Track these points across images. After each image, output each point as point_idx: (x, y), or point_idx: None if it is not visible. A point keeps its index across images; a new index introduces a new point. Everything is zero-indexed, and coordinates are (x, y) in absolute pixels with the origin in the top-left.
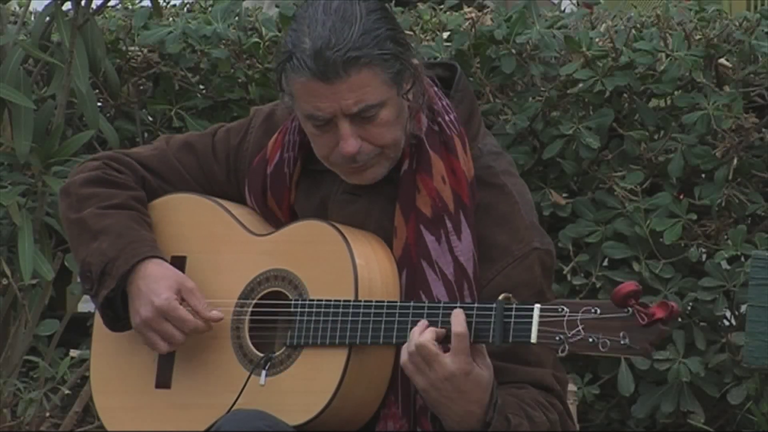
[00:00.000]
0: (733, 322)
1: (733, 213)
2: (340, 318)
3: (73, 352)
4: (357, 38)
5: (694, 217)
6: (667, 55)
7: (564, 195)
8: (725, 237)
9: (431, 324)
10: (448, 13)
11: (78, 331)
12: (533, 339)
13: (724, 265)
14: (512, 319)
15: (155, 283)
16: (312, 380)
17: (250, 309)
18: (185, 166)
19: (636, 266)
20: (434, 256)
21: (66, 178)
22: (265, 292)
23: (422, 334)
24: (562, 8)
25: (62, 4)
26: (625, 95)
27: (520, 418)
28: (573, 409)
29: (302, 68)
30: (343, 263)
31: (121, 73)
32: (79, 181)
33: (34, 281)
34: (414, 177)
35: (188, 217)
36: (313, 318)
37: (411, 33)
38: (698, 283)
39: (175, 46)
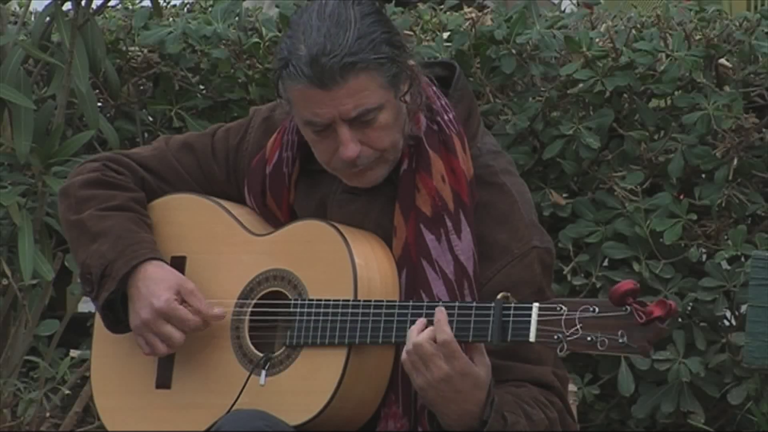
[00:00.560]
0: (733, 322)
1: (733, 213)
2: (339, 318)
3: (74, 353)
4: (352, 43)
5: (694, 217)
6: (667, 56)
7: (564, 195)
8: (725, 237)
9: (430, 323)
10: (448, 13)
11: (78, 332)
12: (532, 338)
13: (724, 265)
14: (511, 318)
15: (155, 285)
16: (312, 380)
17: (249, 309)
18: (185, 167)
19: (636, 266)
20: (434, 255)
21: (66, 178)
22: (264, 292)
23: (420, 334)
24: (562, 8)
25: (62, 4)
26: (625, 95)
27: (517, 416)
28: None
29: (299, 75)
30: (343, 263)
31: (121, 73)
32: (78, 182)
33: (34, 281)
34: (413, 176)
35: (188, 217)
36: (313, 318)
37: (411, 33)
38: (698, 284)
39: (175, 46)
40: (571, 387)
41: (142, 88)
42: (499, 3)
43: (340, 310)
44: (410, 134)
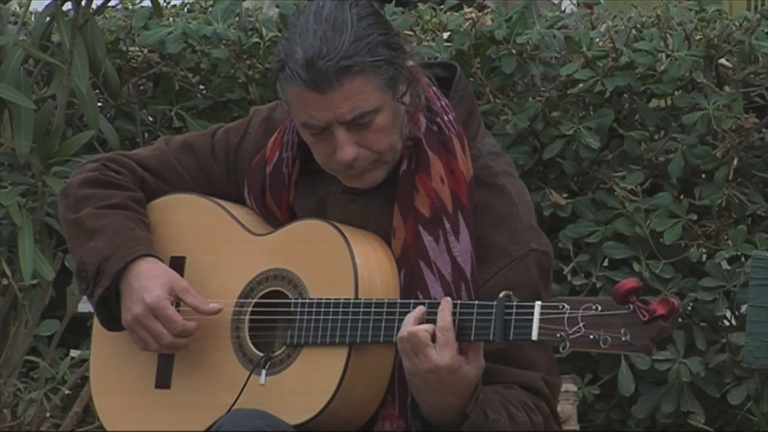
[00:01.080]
0: (734, 322)
1: (733, 213)
2: (340, 317)
3: (74, 353)
4: (348, 46)
5: (695, 217)
6: (668, 56)
7: (564, 195)
8: (725, 237)
9: (430, 321)
10: (448, 13)
11: (78, 331)
12: (534, 336)
13: (725, 265)
14: (513, 317)
15: (148, 281)
16: (312, 379)
17: (249, 308)
18: (184, 167)
19: (636, 266)
20: (432, 257)
21: (66, 178)
22: (264, 291)
23: (417, 325)
24: (563, 8)
25: (62, 5)
26: (625, 95)
27: (499, 415)
28: (573, 409)
29: (295, 78)
30: (343, 262)
31: (122, 74)
32: (77, 182)
33: (34, 281)
34: (413, 177)
35: (188, 217)
36: (313, 317)
37: (411, 33)
38: (698, 284)
39: (175, 46)
40: (571, 387)
41: (142, 88)
42: (499, 3)
43: (340, 310)
44: (409, 135)
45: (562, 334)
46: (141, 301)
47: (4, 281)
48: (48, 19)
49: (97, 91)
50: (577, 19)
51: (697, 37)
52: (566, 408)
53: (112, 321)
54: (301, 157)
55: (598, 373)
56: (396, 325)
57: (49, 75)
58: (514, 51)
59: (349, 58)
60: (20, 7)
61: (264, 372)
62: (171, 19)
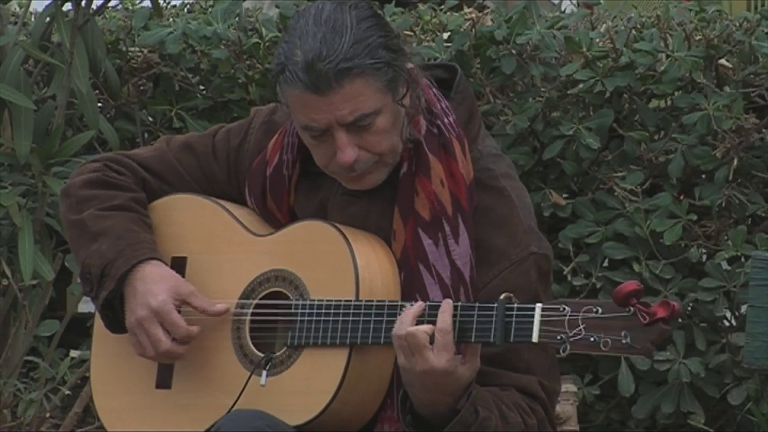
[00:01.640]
0: (734, 322)
1: (733, 213)
2: (341, 318)
3: (74, 353)
4: (348, 49)
5: (695, 217)
6: (668, 56)
7: (564, 195)
8: (725, 237)
9: (429, 321)
10: (448, 13)
11: (78, 332)
12: (535, 338)
13: (725, 265)
14: (513, 319)
15: (153, 285)
16: (313, 380)
17: (250, 309)
18: (185, 167)
19: (636, 267)
20: (431, 260)
21: (66, 178)
22: (265, 292)
23: (416, 326)
24: (563, 9)
25: (62, 5)
26: (625, 96)
27: (490, 412)
28: (573, 409)
29: (295, 81)
30: (344, 263)
31: (122, 74)
32: (79, 182)
33: (34, 282)
34: (413, 180)
35: (189, 217)
36: (314, 318)
37: (411, 33)
38: (698, 284)
39: (175, 46)
40: (571, 387)
41: (142, 88)
42: (499, 3)
43: (341, 311)
44: (410, 137)
45: (563, 336)
46: (146, 304)
47: (4, 281)
48: (48, 19)
49: (97, 91)
50: (577, 20)
51: (697, 38)
52: (566, 408)
53: (116, 324)
54: (301, 159)
55: (598, 374)
56: None
57: (49, 75)
58: (514, 51)
59: (349, 60)
60: (20, 7)
61: (264, 373)
62: (171, 19)
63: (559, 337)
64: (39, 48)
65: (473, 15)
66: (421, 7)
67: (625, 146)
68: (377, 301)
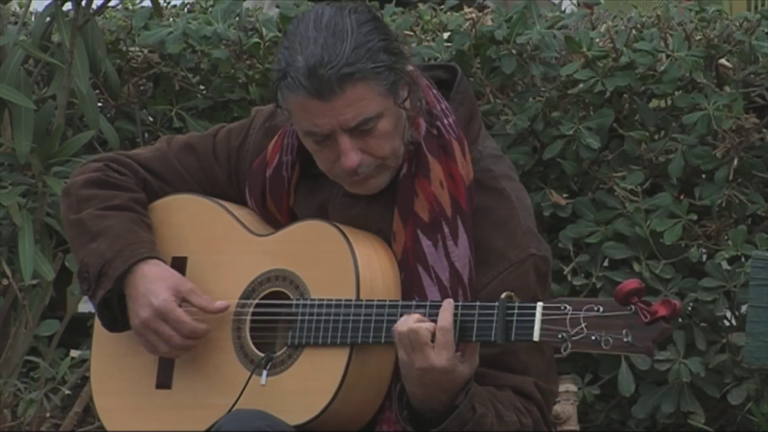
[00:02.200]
0: (734, 322)
1: (733, 213)
2: (341, 318)
3: (74, 353)
4: (350, 53)
5: (695, 217)
6: (668, 56)
7: (564, 195)
8: (725, 237)
9: (432, 321)
10: (448, 13)
11: (78, 332)
12: (536, 337)
13: (725, 265)
14: (515, 318)
15: (153, 284)
16: (313, 380)
17: (251, 309)
18: (186, 168)
19: (636, 267)
20: (430, 261)
21: (66, 178)
22: (266, 292)
23: (420, 323)
24: (563, 8)
25: (62, 5)
26: (625, 95)
27: (487, 410)
28: (573, 409)
29: (297, 87)
30: (345, 263)
31: (122, 74)
32: (79, 182)
33: (34, 281)
34: (412, 181)
35: (189, 218)
36: (315, 318)
37: (411, 33)
38: (698, 284)
39: (175, 46)
40: (571, 387)
41: (142, 88)
42: (500, 3)
43: (342, 310)
44: (411, 140)
45: (564, 335)
46: (148, 305)
47: (4, 281)
48: (48, 19)
49: (97, 91)
50: (577, 19)
51: (697, 38)
52: (566, 408)
53: (114, 323)
54: (301, 161)
55: (598, 374)
56: None
57: (49, 75)
58: (514, 51)
59: (351, 65)
60: (20, 7)
61: (265, 372)
62: (171, 19)
63: (560, 336)
64: (39, 48)
65: (473, 15)
66: (421, 7)
67: (625, 146)
68: (378, 300)
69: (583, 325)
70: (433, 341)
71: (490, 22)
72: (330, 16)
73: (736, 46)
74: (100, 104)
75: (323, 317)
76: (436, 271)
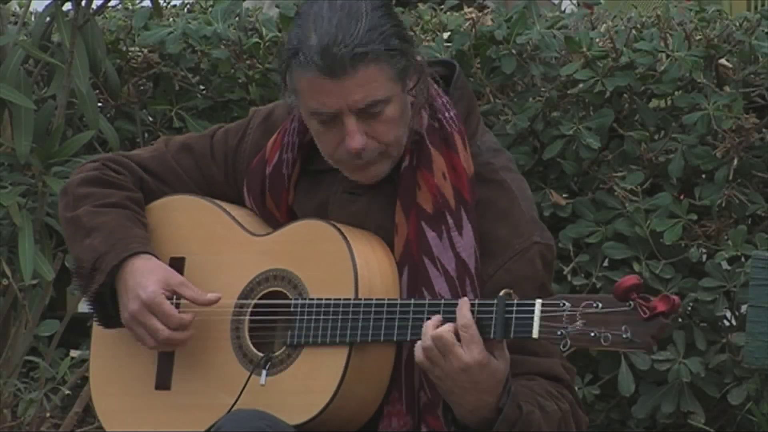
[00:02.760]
0: (734, 322)
1: (733, 213)
2: (340, 317)
3: (74, 353)
4: (364, 34)
5: (695, 217)
6: (668, 56)
7: (564, 195)
8: (725, 237)
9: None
10: (448, 13)
11: (78, 332)
12: (534, 334)
13: (725, 265)
14: (513, 315)
15: (143, 277)
16: (312, 379)
17: (249, 309)
18: (183, 168)
19: (636, 266)
20: (436, 253)
21: (66, 178)
22: (264, 292)
23: (439, 327)
24: (563, 8)
25: (62, 5)
26: (625, 95)
27: (532, 407)
28: None
29: (309, 64)
30: (343, 262)
31: (122, 74)
32: (76, 181)
33: (34, 281)
34: (414, 173)
35: (187, 218)
36: (313, 317)
37: (411, 33)
38: (698, 284)
39: (175, 46)
40: None
41: (142, 88)
42: (500, 3)
43: (340, 310)
44: (413, 129)
45: (563, 331)
46: (136, 297)
47: (4, 281)
48: (48, 19)
49: (97, 91)
50: (577, 19)
51: (697, 37)
52: None
53: (107, 318)
54: (301, 158)
55: (598, 373)
56: (396, 324)
57: (49, 75)
58: (514, 51)
59: (365, 45)
60: (20, 7)
61: (264, 372)
62: (171, 19)
63: (559, 333)
64: (39, 48)
65: (473, 15)
66: (421, 6)
67: (625, 146)
68: (376, 299)
69: (582, 321)
70: (458, 341)
71: (490, 22)
72: None
73: (736, 46)
74: (100, 104)
75: (322, 317)
76: (442, 262)
